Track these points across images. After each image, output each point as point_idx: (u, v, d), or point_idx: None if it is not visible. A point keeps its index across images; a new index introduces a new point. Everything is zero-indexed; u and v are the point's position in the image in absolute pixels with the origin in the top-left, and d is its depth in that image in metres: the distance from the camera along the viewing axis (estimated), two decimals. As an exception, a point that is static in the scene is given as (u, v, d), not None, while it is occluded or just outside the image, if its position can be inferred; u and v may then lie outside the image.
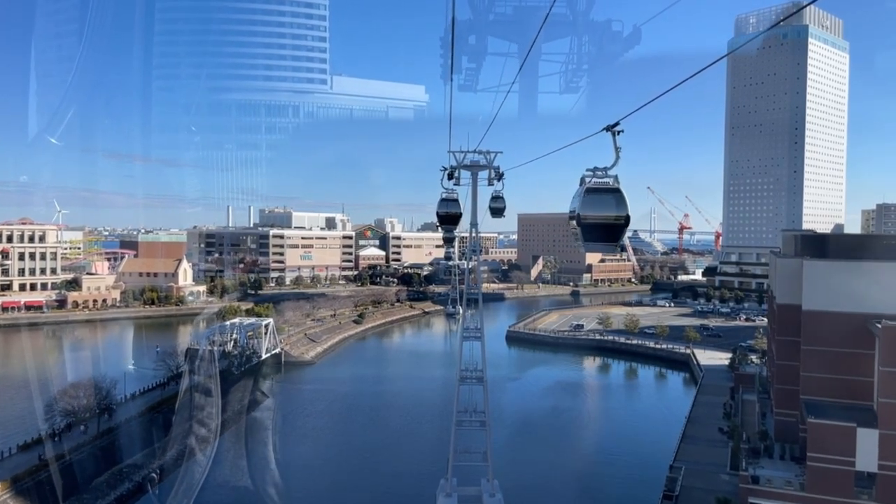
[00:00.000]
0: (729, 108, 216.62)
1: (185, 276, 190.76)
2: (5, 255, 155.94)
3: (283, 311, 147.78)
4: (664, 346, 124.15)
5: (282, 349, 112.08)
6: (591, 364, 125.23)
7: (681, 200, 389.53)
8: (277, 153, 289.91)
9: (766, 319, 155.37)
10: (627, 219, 19.19)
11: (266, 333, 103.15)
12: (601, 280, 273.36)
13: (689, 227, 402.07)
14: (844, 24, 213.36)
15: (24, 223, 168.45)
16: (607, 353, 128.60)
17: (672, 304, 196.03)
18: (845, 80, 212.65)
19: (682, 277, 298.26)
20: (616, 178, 19.00)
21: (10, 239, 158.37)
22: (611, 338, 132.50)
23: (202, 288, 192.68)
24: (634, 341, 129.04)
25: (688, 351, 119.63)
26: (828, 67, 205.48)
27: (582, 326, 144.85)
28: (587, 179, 18.49)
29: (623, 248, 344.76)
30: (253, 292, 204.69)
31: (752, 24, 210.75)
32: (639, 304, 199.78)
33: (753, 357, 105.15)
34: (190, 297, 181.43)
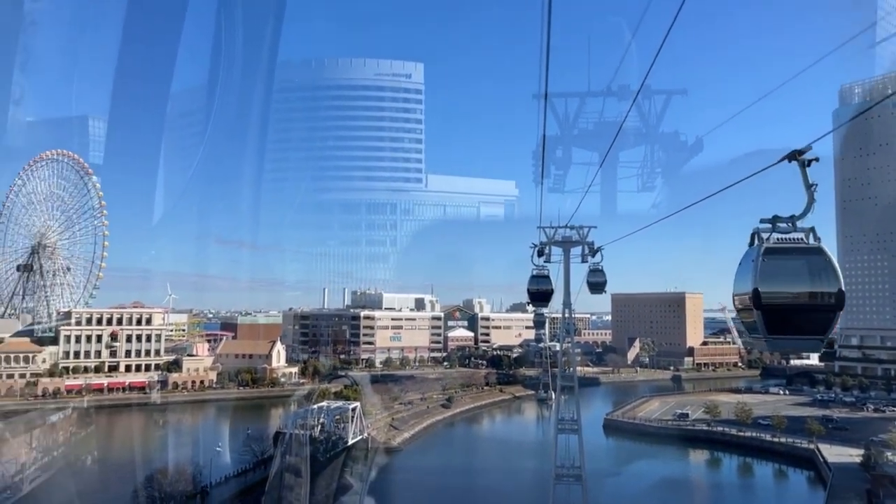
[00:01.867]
0: (838, 182, 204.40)
1: (279, 357, 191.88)
2: (114, 337, 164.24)
3: (372, 393, 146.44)
4: (783, 440, 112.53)
5: (368, 434, 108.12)
6: (699, 458, 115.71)
7: None
8: (376, 248, 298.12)
9: None
10: (841, 296, 11.93)
11: (353, 418, 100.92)
12: (704, 364, 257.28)
13: None
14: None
15: (135, 306, 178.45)
16: (717, 446, 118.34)
17: (787, 392, 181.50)
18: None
19: (795, 362, 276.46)
20: (813, 231, 12.20)
21: (119, 321, 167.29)
22: (720, 429, 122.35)
23: (294, 369, 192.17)
24: (748, 433, 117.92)
25: (811, 446, 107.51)
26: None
27: (687, 415, 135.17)
28: (765, 236, 11.98)
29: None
30: (343, 374, 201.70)
31: (858, 93, 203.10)
32: (748, 390, 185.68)
33: (889, 454, 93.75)
34: (283, 379, 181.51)
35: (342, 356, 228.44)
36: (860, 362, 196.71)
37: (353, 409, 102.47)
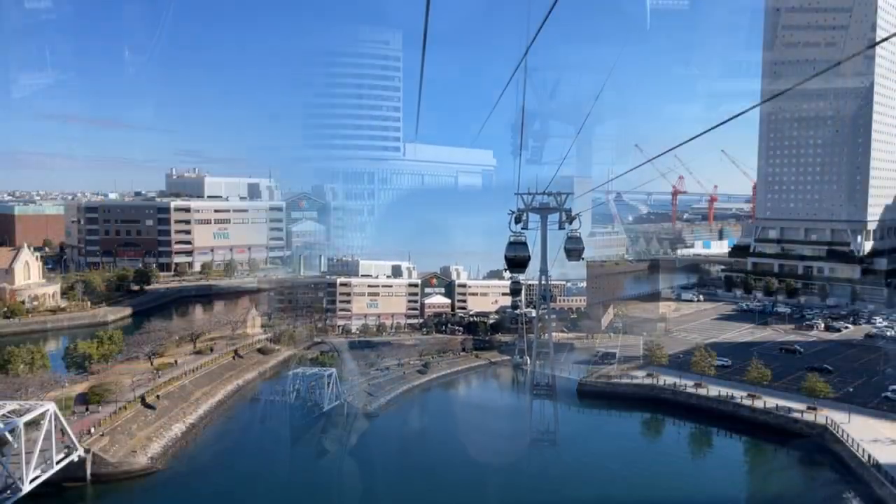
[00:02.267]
0: (768, 29, 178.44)
1: (27, 271, 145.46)
2: None
3: (349, 360, 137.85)
4: (770, 405, 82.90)
5: (345, 400, 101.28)
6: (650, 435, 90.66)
7: (669, 159, 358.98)
8: (352, 217, 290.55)
9: (866, 326, 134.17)
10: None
11: (329, 384, 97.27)
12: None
13: (685, 192, 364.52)
14: None
15: None
16: (662, 408, 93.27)
17: (701, 298, 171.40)
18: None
19: (682, 252, 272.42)
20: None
21: None
22: (672, 387, 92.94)
23: (53, 289, 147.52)
24: (712, 391, 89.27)
25: (820, 419, 76.93)
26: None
27: (613, 356, 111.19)
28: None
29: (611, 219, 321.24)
30: (139, 288, 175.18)
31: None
32: (656, 297, 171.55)
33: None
34: (33, 303, 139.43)
35: (319, 324, 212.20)
36: (778, 259, 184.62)
37: (329, 376, 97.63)
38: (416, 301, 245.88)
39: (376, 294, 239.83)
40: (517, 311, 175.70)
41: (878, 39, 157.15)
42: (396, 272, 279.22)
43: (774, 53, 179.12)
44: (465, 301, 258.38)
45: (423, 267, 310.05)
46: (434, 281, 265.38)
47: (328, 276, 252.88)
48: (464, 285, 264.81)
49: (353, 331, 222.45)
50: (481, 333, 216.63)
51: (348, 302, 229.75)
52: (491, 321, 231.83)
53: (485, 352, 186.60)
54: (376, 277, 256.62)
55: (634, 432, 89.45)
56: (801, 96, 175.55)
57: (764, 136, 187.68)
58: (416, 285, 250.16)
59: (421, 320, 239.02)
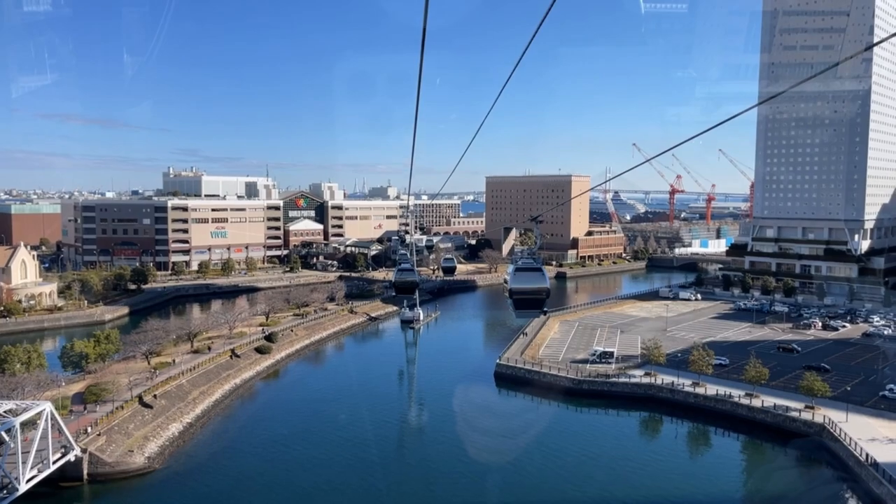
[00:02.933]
0: (766, 31, 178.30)
1: (24, 269, 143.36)
2: None
3: (151, 329, 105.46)
4: (768, 404, 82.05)
5: (75, 456, 64.27)
6: (650, 432, 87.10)
7: (666, 158, 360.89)
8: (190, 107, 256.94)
9: (863, 325, 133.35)
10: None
11: (34, 437, 58.80)
12: (588, 257, 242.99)
13: (682, 191, 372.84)
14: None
15: None
16: (660, 407, 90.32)
17: (699, 297, 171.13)
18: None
19: (680, 251, 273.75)
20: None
21: None
22: (669, 386, 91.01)
23: (49, 288, 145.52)
24: (710, 390, 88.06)
25: (818, 417, 76.67)
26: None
27: (611, 355, 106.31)
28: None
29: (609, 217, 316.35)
30: (136, 286, 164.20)
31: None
32: (655, 296, 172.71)
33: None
34: (29, 303, 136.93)
35: (142, 261, 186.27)
36: (775, 258, 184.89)
37: (40, 414, 59.66)
38: (277, 228, 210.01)
39: (224, 220, 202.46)
40: (406, 242, 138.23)
41: (875, 41, 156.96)
42: (251, 191, 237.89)
43: (772, 56, 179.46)
44: (340, 227, 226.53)
45: (286, 184, 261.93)
46: (301, 202, 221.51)
47: (156, 199, 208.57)
48: (339, 206, 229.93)
49: (192, 269, 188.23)
50: (360, 268, 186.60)
51: (186, 231, 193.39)
52: (373, 252, 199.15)
53: (363, 302, 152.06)
54: (224, 198, 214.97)
55: (632, 431, 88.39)
56: (798, 97, 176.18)
57: (762, 136, 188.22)
58: (277, 208, 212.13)
59: (284, 251, 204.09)
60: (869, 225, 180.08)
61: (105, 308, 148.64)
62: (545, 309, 33.37)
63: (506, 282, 32.70)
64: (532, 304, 31.60)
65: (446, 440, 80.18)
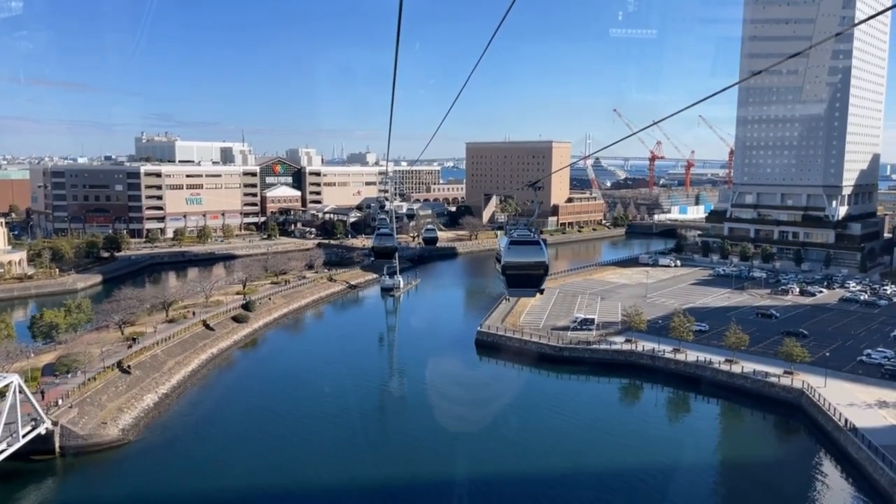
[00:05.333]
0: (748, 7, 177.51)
1: None
2: None
3: (123, 298, 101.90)
4: (748, 370, 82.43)
5: (47, 429, 63.13)
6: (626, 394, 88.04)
7: (646, 124, 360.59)
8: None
9: (839, 290, 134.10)
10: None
11: (5, 407, 57.09)
12: (569, 224, 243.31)
13: (662, 157, 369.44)
14: None
15: None
16: (641, 373, 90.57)
17: (678, 263, 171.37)
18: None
19: (659, 217, 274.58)
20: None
21: None
22: (650, 353, 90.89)
23: (19, 256, 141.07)
24: (690, 356, 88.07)
25: (797, 383, 77.05)
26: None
27: (592, 322, 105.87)
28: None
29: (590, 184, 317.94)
30: (109, 254, 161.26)
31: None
32: (635, 262, 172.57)
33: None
34: None
35: (115, 228, 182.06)
36: (754, 224, 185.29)
37: (8, 389, 58.70)
38: (254, 195, 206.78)
39: (199, 186, 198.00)
40: (385, 209, 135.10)
41: (856, 20, 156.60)
42: (227, 157, 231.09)
43: (755, 28, 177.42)
44: (319, 193, 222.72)
45: (262, 149, 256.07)
46: (278, 168, 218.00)
47: (129, 164, 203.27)
48: (317, 173, 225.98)
49: (167, 236, 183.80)
50: (339, 236, 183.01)
51: (160, 198, 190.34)
52: (352, 219, 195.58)
53: (342, 270, 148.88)
54: (199, 164, 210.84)
55: (613, 398, 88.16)
56: (780, 64, 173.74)
57: (742, 102, 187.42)
58: (253, 174, 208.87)
59: (262, 219, 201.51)
60: (847, 191, 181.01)
61: (77, 276, 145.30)
62: (542, 287, 28.14)
63: (498, 256, 28.13)
64: (528, 280, 27.20)
65: (427, 407, 79.67)
